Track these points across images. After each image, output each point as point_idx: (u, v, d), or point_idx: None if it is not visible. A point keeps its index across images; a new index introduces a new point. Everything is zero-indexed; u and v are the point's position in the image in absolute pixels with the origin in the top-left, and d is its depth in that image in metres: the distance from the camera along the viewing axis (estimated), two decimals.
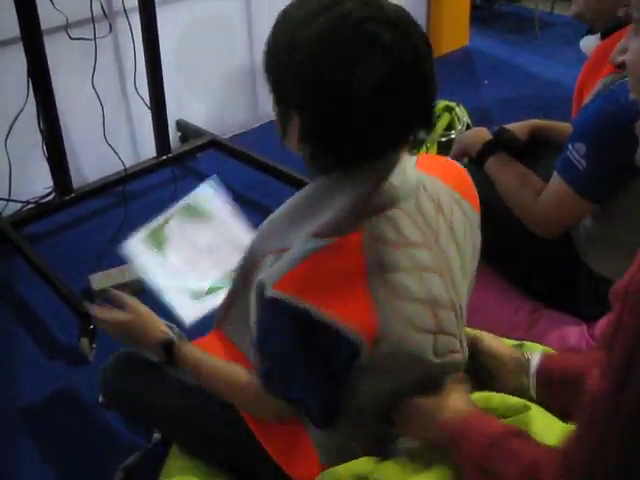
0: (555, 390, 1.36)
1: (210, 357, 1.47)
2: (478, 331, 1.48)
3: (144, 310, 1.59)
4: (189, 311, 1.71)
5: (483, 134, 2.17)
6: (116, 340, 1.60)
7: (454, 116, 2.59)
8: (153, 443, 1.95)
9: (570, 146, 1.77)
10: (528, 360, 1.40)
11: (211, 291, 1.76)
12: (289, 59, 1.13)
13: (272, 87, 1.19)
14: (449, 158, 2.01)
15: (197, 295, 1.74)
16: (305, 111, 1.15)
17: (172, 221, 1.86)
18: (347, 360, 1.19)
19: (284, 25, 1.15)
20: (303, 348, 1.20)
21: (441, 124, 2.56)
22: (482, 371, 1.45)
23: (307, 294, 1.14)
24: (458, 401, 1.29)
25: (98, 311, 1.63)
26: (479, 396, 1.39)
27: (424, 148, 2.51)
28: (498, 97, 4.04)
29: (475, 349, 1.44)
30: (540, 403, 1.36)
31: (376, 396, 1.30)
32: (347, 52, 1.08)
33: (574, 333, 1.88)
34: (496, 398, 1.37)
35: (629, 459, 0.89)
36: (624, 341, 0.88)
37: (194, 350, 1.50)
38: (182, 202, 1.96)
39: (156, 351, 1.52)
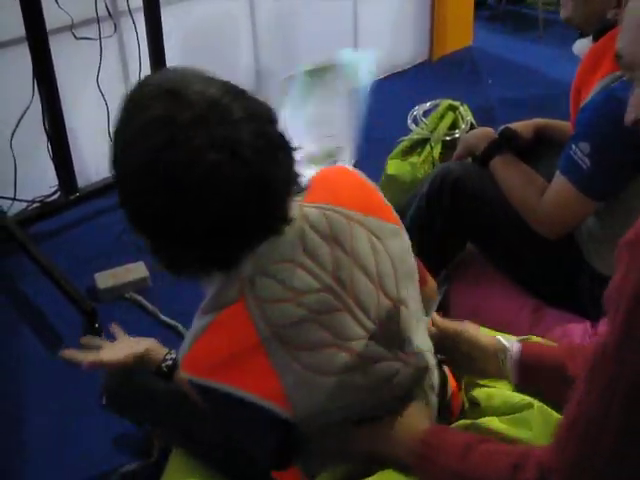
0: (533, 377, 1.37)
1: None
2: (458, 325, 1.47)
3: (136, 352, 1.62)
4: None
5: (488, 134, 2.18)
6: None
7: (458, 115, 2.58)
8: (155, 457, 1.95)
9: (573, 146, 1.78)
10: (508, 348, 1.40)
11: (324, 154, 1.70)
12: (121, 181, 1.15)
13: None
14: (440, 161, 2.04)
15: (314, 160, 1.67)
16: (150, 236, 1.16)
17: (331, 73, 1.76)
18: (277, 429, 1.19)
19: (122, 139, 1.14)
20: (232, 416, 1.23)
21: (445, 123, 2.56)
22: (464, 360, 1.46)
23: (206, 371, 1.16)
24: (420, 419, 1.28)
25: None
26: (481, 394, 1.40)
27: (428, 148, 2.51)
28: (502, 96, 4.04)
29: (457, 341, 1.45)
30: (520, 389, 1.36)
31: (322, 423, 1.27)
32: (168, 192, 1.07)
33: (578, 330, 1.89)
34: (498, 396, 1.37)
35: (632, 417, 0.88)
36: (631, 290, 0.88)
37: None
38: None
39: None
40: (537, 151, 2.16)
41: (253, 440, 1.27)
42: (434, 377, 1.37)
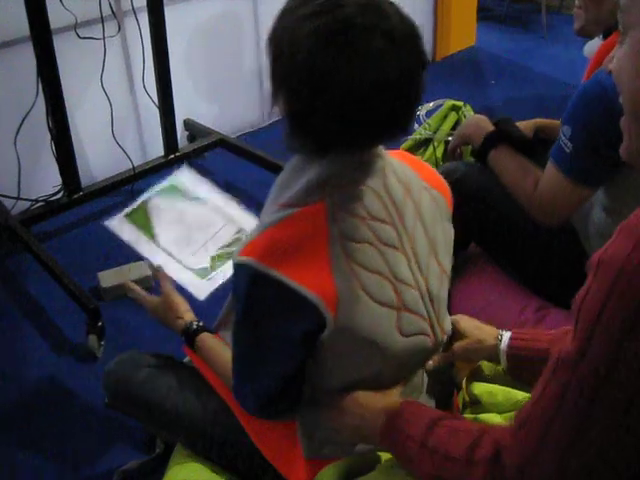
0: (523, 365, 1.39)
1: (224, 349, 1.52)
2: (455, 316, 1.50)
3: (173, 297, 1.69)
4: (200, 288, 1.70)
5: (484, 123, 2.17)
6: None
7: (461, 115, 2.59)
8: (157, 453, 1.96)
9: (560, 131, 1.79)
10: (501, 336, 1.44)
11: (214, 267, 1.75)
12: (285, 50, 1.17)
13: (270, 63, 1.23)
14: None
15: (202, 274, 1.73)
16: (291, 96, 1.19)
17: (154, 201, 1.84)
18: (311, 325, 1.21)
19: (287, 16, 1.19)
20: (268, 312, 1.23)
21: (448, 124, 2.57)
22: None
23: (267, 258, 1.18)
24: (396, 397, 1.31)
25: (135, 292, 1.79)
26: (483, 390, 1.40)
27: (431, 148, 2.51)
28: (505, 97, 4.04)
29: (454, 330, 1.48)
30: (512, 376, 1.38)
31: (345, 378, 1.31)
32: (340, 53, 1.12)
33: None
34: (500, 393, 1.38)
35: (584, 416, 0.91)
36: (590, 305, 0.92)
37: (212, 340, 1.57)
38: (160, 185, 1.95)
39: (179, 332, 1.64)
40: (537, 151, 2.16)
41: (273, 358, 1.28)
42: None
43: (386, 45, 1.12)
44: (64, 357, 2.37)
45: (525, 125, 2.23)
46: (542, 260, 2.04)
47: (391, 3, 1.19)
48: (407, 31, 1.17)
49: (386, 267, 1.25)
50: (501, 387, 1.41)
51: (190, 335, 1.59)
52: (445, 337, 1.40)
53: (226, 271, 1.70)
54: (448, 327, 1.42)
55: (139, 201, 1.90)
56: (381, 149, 1.28)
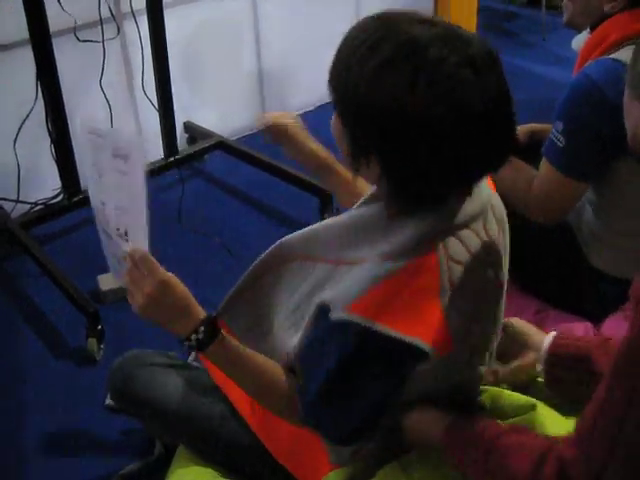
0: (563, 368, 1.39)
1: (247, 350, 1.36)
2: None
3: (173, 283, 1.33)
4: None
5: None
6: (145, 312, 1.35)
7: None
8: (156, 455, 1.96)
9: (553, 127, 1.80)
10: (542, 340, 1.44)
11: None
12: (362, 101, 1.09)
13: (348, 126, 1.15)
14: None
15: None
16: (381, 152, 1.13)
17: None
18: (413, 367, 1.20)
19: (356, 64, 1.09)
20: (373, 367, 1.20)
21: None
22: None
23: (380, 314, 1.14)
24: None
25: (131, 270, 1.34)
26: (486, 396, 1.40)
27: None
28: None
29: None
30: (549, 382, 1.38)
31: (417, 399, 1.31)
32: (425, 97, 1.06)
33: (579, 330, 1.89)
34: (504, 397, 1.38)
35: None
36: None
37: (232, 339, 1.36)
38: None
39: (191, 327, 1.31)
40: (531, 155, 2.16)
41: (364, 400, 1.24)
42: None
43: (472, 74, 1.08)
44: (63, 360, 2.37)
45: (520, 130, 2.23)
46: (541, 262, 2.04)
47: (463, 29, 1.14)
48: (489, 55, 1.13)
49: (488, 311, 1.28)
50: (505, 392, 1.41)
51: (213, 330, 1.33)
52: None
53: None
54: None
55: None
56: (485, 185, 1.25)
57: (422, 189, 1.15)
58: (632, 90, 1.04)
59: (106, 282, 2.61)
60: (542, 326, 1.94)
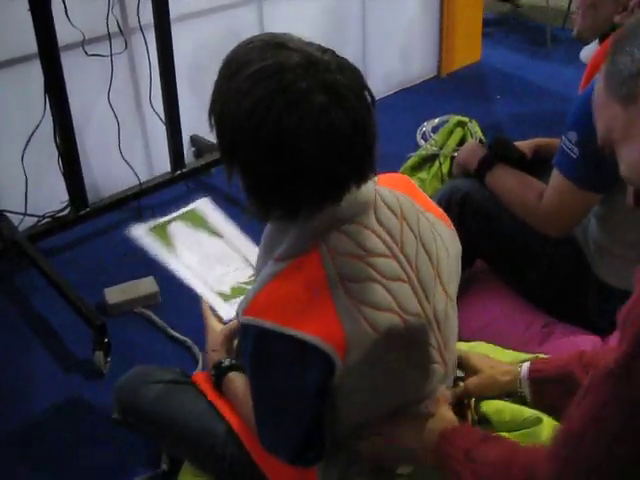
0: (547, 390, 1.40)
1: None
2: (463, 353, 1.50)
3: (211, 329, 1.68)
4: (225, 309, 1.71)
5: (477, 148, 2.19)
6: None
7: (467, 131, 2.60)
8: (162, 469, 1.96)
9: (563, 136, 1.79)
10: (520, 367, 1.44)
11: (235, 293, 1.76)
12: (230, 123, 1.16)
13: (216, 139, 1.22)
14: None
15: (224, 297, 1.74)
16: (244, 169, 1.19)
17: (175, 223, 1.88)
18: (322, 374, 1.20)
19: (224, 88, 1.18)
20: (278, 367, 1.23)
21: (454, 139, 2.57)
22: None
23: (270, 314, 1.18)
24: (447, 416, 1.32)
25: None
26: (491, 409, 1.40)
27: (437, 164, 2.52)
28: (511, 112, 4.05)
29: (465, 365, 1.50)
30: (535, 405, 1.38)
31: (357, 412, 1.31)
32: (285, 120, 1.11)
33: (587, 344, 1.89)
34: (508, 411, 1.38)
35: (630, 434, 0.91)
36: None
37: (238, 380, 1.55)
38: (182, 210, 1.98)
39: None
40: (538, 169, 2.17)
41: (291, 411, 1.27)
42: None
43: (329, 101, 1.11)
44: (70, 373, 2.37)
45: (525, 145, 2.24)
46: (547, 275, 2.04)
47: (325, 51, 1.18)
48: (348, 80, 1.15)
49: (393, 301, 1.24)
50: (509, 404, 1.41)
51: (219, 371, 1.59)
52: (452, 366, 1.40)
53: None
54: (455, 354, 1.42)
55: (161, 220, 1.92)
56: (368, 183, 1.25)
57: (275, 202, 1.20)
58: (609, 90, 1.03)
59: (113, 295, 2.61)
60: (549, 340, 1.95)
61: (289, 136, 1.11)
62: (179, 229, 1.92)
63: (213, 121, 1.20)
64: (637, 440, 0.89)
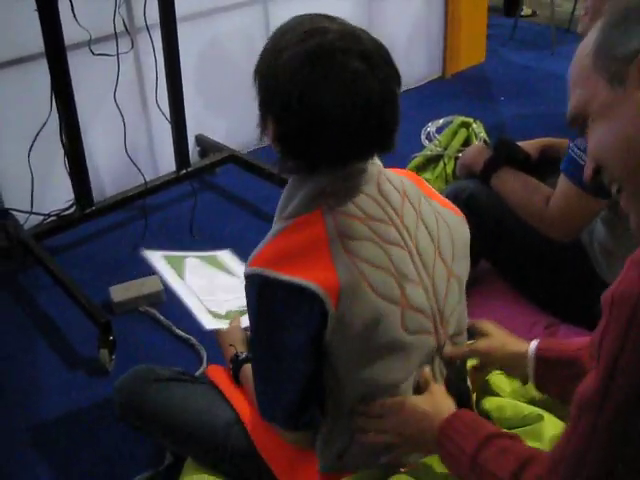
0: (552, 372, 1.39)
1: None
2: (486, 345, 1.49)
3: (234, 328, 1.76)
4: (209, 321, 1.75)
5: (482, 149, 2.20)
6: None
7: (471, 132, 2.60)
8: (165, 465, 1.97)
9: (571, 143, 1.80)
10: (527, 348, 1.43)
11: (229, 316, 1.80)
12: (271, 75, 1.25)
13: (257, 92, 1.30)
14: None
15: (216, 315, 1.78)
16: (278, 119, 1.26)
17: (192, 259, 1.95)
18: (317, 322, 1.24)
19: (273, 46, 1.27)
20: (278, 315, 1.27)
21: (458, 140, 2.58)
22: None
23: (272, 264, 1.25)
24: (446, 403, 1.32)
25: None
26: (492, 406, 1.41)
27: (441, 164, 2.53)
28: (515, 113, 4.06)
29: (487, 362, 1.50)
30: (539, 387, 1.38)
31: (360, 384, 1.32)
32: (320, 77, 1.20)
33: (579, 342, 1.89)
34: (509, 408, 1.39)
35: (613, 453, 0.92)
36: (609, 344, 0.93)
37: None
38: (203, 253, 2.06)
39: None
40: (543, 170, 2.17)
41: (289, 367, 1.30)
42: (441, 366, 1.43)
43: (362, 65, 1.20)
44: (75, 371, 2.38)
45: (531, 145, 2.24)
46: (552, 277, 2.04)
47: (364, 30, 1.27)
48: (380, 53, 1.24)
49: (389, 263, 1.28)
50: (510, 401, 1.41)
51: (236, 363, 1.65)
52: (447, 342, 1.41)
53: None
54: (453, 330, 1.42)
55: (180, 253, 1.98)
56: (374, 159, 1.33)
57: (300, 154, 1.28)
58: (597, 61, 1.00)
59: (118, 293, 2.63)
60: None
61: (323, 94, 1.19)
62: (194, 263, 1.98)
63: (255, 75, 1.29)
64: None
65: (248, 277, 1.28)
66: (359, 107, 1.20)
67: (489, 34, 4.80)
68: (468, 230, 1.46)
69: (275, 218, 1.37)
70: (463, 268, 1.43)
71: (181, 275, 1.92)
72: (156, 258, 1.96)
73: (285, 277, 1.23)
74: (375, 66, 1.21)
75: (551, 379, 1.39)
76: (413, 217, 1.34)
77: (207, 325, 1.74)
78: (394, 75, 1.26)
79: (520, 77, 4.59)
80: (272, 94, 1.25)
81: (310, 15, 1.29)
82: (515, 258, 2.09)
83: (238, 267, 2.02)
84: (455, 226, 1.42)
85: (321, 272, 1.23)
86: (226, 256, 2.08)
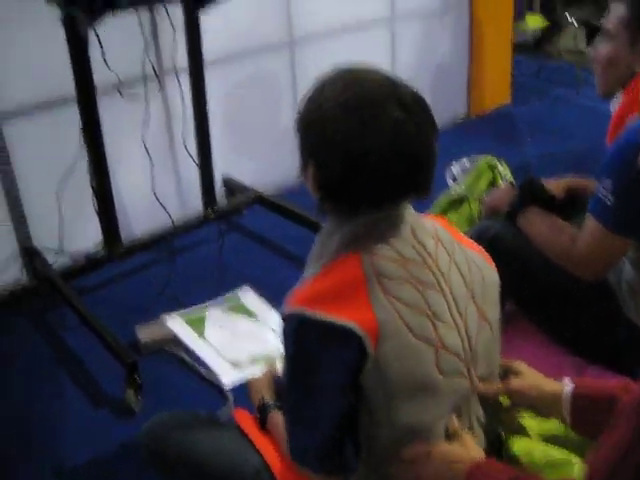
0: (589, 413, 1.38)
1: None
2: (520, 386, 1.48)
3: (264, 376, 1.75)
4: (229, 375, 1.75)
5: (508, 190, 2.21)
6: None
7: (497, 174, 2.60)
8: None
9: (598, 184, 1.80)
10: (562, 388, 1.42)
11: (257, 362, 1.80)
12: (313, 124, 1.30)
13: (299, 140, 1.34)
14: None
15: (236, 363, 1.79)
16: (319, 165, 1.30)
17: (213, 310, 1.98)
18: (356, 362, 1.24)
19: (315, 95, 1.32)
20: (314, 355, 1.27)
21: (483, 181, 2.58)
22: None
23: (310, 304, 1.26)
24: (474, 451, 1.32)
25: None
26: (521, 449, 1.39)
27: (467, 205, 2.52)
28: (541, 153, 4.06)
29: (520, 401, 1.48)
30: (575, 428, 1.37)
31: (395, 426, 1.31)
32: (361, 126, 1.24)
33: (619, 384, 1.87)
34: (538, 452, 1.37)
35: None
36: None
37: (279, 415, 1.59)
38: (222, 297, 2.08)
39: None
40: (570, 209, 2.17)
41: (324, 407, 1.31)
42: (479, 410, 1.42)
43: (401, 113, 1.25)
44: (102, 411, 2.39)
45: (557, 185, 2.24)
46: (578, 316, 2.03)
47: (401, 79, 1.31)
48: (418, 100, 1.29)
49: (425, 305, 1.30)
50: (540, 444, 1.40)
51: (264, 411, 1.64)
52: (480, 383, 1.40)
53: (259, 370, 1.79)
54: (484, 372, 1.41)
55: (202, 306, 2.01)
56: (407, 205, 1.36)
57: (341, 199, 1.32)
58: None
59: (145, 333, 2.64)
60: None
61: (364, 142, 1.24)
62: (215, 314, 2.01)
63: (297, 124, 1.34)
64: None
65: (285, 318, 1.29)
66: (399, 153, 1.25)
67: (514, 73, 4.82)
68: (498, 275, 1.46)
69: (310, 260, 1.40)
70: (494, 311, 1.43)
71: (202, 334, 1.94)
72: (176, 323, 1.99)
73: (323, 316, 1.24)
74: (413, 113, 1.26)
75: (588, 419, 1.38)
76: (446, 261, 1.36)
77: (226, 382, 1.74)
78: (431, 122, 1.30)
79: (546, 117, 4.60)
80: (314, 142, 1.30)
81: (349, 65, 1.34)
82: (541, 298, 2.08)
83: (259, 307, 2.04)
84: (486, 271, 1.44)
85: (359, 312, 1.25)
86: (247, 296, 2.09)
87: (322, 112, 1.28)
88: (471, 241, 1.48)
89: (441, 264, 1.35)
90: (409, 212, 1.36)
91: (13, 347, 2.73)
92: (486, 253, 1.48)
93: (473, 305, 1.37)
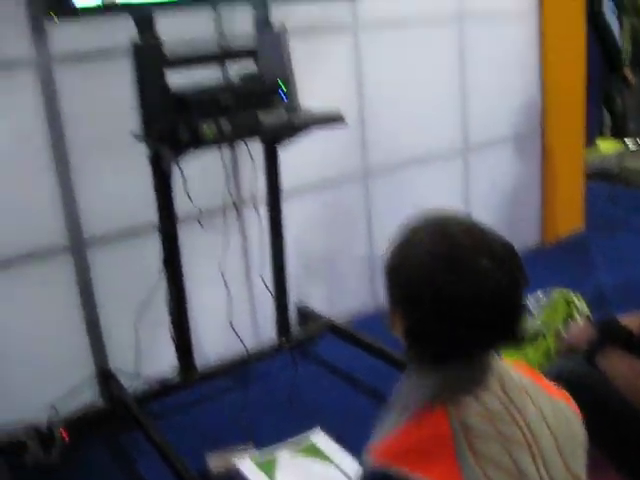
0: None
1: None
2: None
3: None
4: None
5: (586, 328, 2.19)
6: None
7: (573, 308, 2.58)
8: None
9: None
10: None
11: None
12: (402, 273, 1.32)
13: (387, 287, 1.35)
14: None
15: None
16: (407, 313, 1.31)
17: (284, 453, 1.97)
18: None
19: (403, 244, 1.34)
20: None
21: (559, 316, 2.56)
22: None
23: (396, 460, 1.23)
24: None
25: None
26: None
27: (542, 339, 2.50)
28: (617, 282, 3.99)
29: None
30: None
31: None
32: (451, 276, 1.25)
33: None
34: None
35: None
36: None
37: None
38: (292, 438, 2.09)
39: None
40: None
41: None
42: None
43: (490, 263, 1.26)
44: None
45: (633, 321, 2.21)
46: None
47: (487, 226, 1.33)
48: (505, 248, 1.30)
49: (512, 464, 1.27)
50: None
51: None
52: None
53: None
54: None
55: (273, 449, 2.02)
56: (494, 355, 1.34)
57: (430, 346, 1.31)
58: None
59: (215, 461, 2.63)
60: None
61: (453, 292, 1.24)
62: (287, 458, 2.01)
63: (385, 270, 1.35)
64: None
65: (368, 471, 1.28)
66: (489, 303, 1.25)
67: (587, 198, 4.79)
68: (583, 426, 1.44)
69: (393, 407, 1.38)
70: (581, 465, 1.40)
71: (273, 478, 1.93)
72: (247, 467, 1.99)
73: (410, 475, 1.21)
74: (502, 262, 1.27)
75: None
76: (534, 415, 1.34)
77: None
78: (520, 270, 1.30)
79: (620, 245, 4.54)
80: (403, 291, 1.31)
81: (437, 212, 1.36)
82: (621, 442, 2.02)
83: (333, 449, 2.02)
84: (575, 426, 1.42)
85: (447, 473, 1.22)
86: (320, 439, 2.09)
87: (410, 261, 1.30)
88: (553, 385, 1.46)
89: (529, 419, 1.32)
90: (496, 361, 1.35)
91: (85, 471, 2.74)
92: (570, 398, 1.45)
93: (560, 460, 1.34)
